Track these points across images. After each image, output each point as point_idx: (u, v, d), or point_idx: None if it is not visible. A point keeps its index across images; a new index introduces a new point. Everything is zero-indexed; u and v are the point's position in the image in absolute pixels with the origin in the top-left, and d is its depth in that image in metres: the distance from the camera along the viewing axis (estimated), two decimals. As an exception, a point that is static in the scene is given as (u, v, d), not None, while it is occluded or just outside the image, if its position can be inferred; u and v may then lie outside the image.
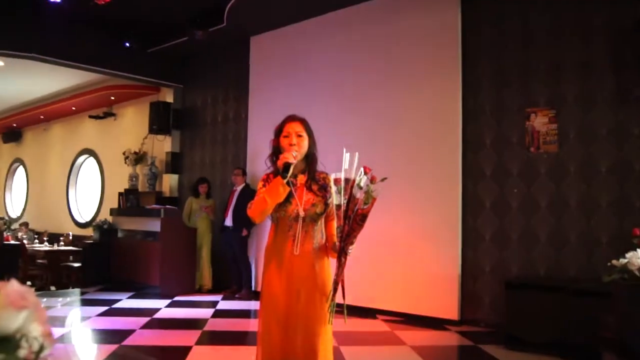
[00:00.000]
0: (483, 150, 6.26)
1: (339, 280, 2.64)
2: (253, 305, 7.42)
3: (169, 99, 10.14)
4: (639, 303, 2.67)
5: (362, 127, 7.00)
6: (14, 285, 0.75)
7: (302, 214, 2.74)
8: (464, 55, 6.42)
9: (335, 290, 2.65)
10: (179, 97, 10.15)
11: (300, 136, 2.80)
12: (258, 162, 8.27)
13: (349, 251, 2.62)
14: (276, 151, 2.85)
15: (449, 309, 6.21)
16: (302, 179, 2.83)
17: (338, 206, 2.55)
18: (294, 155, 2.71)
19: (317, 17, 7.78)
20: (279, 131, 2.86)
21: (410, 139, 6.68)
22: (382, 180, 2.49)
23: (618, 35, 5.41)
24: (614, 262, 2.75)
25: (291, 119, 2.88)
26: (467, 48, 6.42)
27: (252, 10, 7.75)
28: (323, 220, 2.83)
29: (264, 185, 2.79)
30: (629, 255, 2.67)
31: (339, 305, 2.69)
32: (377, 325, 6.22)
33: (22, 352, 0.73)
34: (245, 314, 7.07)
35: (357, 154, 2.50)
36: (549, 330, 4.98)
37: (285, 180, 2.67)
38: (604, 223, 5.41)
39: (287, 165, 2.67)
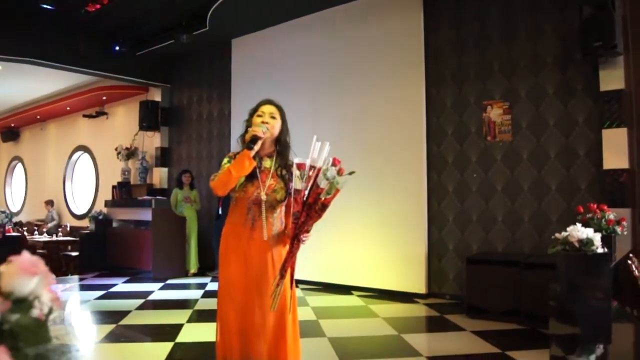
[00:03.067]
0: (445, 140, 6.37)
1: (287, 266, 2.43)
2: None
3: (157, 98, 10.11)
4: (578, 272, 2.79)
5: (336, 122, 7.07)
6: (26, 255, 0.81)
7: (264, 197, 2.57)
8: (426, 54, 6.51)
9: (282, 276, 2.42)
10: (167, 96, 10.11)
11: (273, 117, 2.65)
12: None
13: (303, 239, 2.40)
14: (246, 131, 2.69)
15: (418, 283, 6.35)
16: (268, 163, 2.66)
17: (297, 191, 2.33)
18: (263, 131, 2.55)
19: (293, 20, 7.81)
20: (253, 111, 2.72)
21: (380, 131, 6.77)
22: (350, 174, 2.29)
23: (565, 36, 5.54)
24: (557, 235, 2.86)
25: (267, 101, 2.74)
26: (429, 48, 6.52)
27: (232, 15, 7.75)
28: (283, 208, 2.68)
29: (228, 162, 2.60)
30: (569, 228, 2.78)
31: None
32: (352, 301, 6.32)
33: (35, 312, 0.79)
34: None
35: (327, 143, 2.30)
36: (505, 300, 5.13)
37: (252, 154, 2.50)
38: (553, 204, 5.56)
39: (254, 138, 2.52)
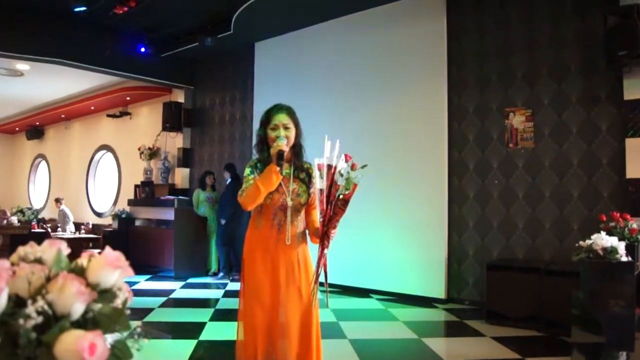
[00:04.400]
0: (467, 146, 6.40)
1: (320, 264, 2.49)
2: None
3: (181, 99, 10.25)
4: (602, 280, 2.82)
5: (358, 127, 7.13)
6: (109, 250, 0.89)
7: (289, 203, 2.64)
8: (449, 61, 6.54)
9: (318, 274, 2.50)
10: (190, 98, 10.25)
11: (287, 128, 2.67)
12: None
13: (332, 235, 2.47)
14: (262, 140, 2.72)
15: (437, 288, 6.37)
16: (288, 168, 2.70)
17: (321, 190, 2.40)
18: (284, 143, 2.60)
19: (316, 24, 7.89)
20: (265, 122, 2.72)
21: (402, 137, 6.81)
22: (363, 167, 2.36)
23: (589, 43, 5.55)
24: (581, 243, 2.89)
25: (277, 109, 2.72)
26: (452, 54, 6.55)
27: (256, 18, 7.85)
28: (304, 209, 2.73)
29: (251, 172, 2.66)
30: (593, 237, 2.81)
31: (322, 287, 2.57)
32: (372, 304, 6.37)
33: (117, 302, 0.87)
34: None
35: (337, 141, 2.35)
36: (525, 307, 5.14)
37: (278, 168, 2.55)
38: (575, 211, 5.56)
39: (280, 153, 2.55)
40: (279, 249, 2.64)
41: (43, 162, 15.52)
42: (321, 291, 2.59)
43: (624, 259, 2.82)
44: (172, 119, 9.99)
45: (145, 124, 11.31)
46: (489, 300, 5.46)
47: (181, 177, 10.22)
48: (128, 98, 11.28)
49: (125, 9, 7.59)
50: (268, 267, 2.64)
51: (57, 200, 11.48)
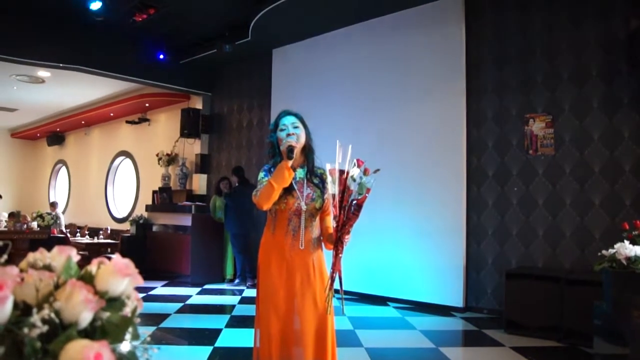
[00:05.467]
0: (486, 152, 6.32)
1: (335, 270, 2.47)
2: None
3: (199, 105, 10.31)
4: (625, 289, 2.75)
5: (376, 133, 7.09)
6: (119, 258, 0.87)
7: (304, 207, 2.63)
8: (468, 66, 6.49)
9: (332, 280, 2.47)
10: (208, 104, 10.31)
11: (296, 127, 2.68)
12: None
13: (346, 241, 2.45)
14: (273, 147, 2.74)
15: (455, 297, 6.29)
16: (301, 173, 2.71)
17: (333, 196, 2.39)
18: (295, 140, 2.62)
19: (333, 31, 7.89)
20: (274, 127, 2.74)
21: (420, 143, 6.76)
22: (375, 172, 2.35)
23: (610, 47, 5.46)
24: (604, 252, 2.82)
25: (285, 113, 2.75)
26: (471, 59, 6.49)
27: (274, 25, 7.86)
28: (319, 214, 2.71)
29: (265, 175, 2.66)
30: (617, 246, 2.74)
31: (337, 294, 2.55)
32: (388, 312, 6.31)
33: (126, 311, 0.85)
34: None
35: (350, 146, 2.34)
36: (545, 317, 5.04)
37: (290, 163, 2.55)
38: (596, 220, 5.46)
39: (291, 148, 2.57)
40: (294, 255, 2.63)
41: (63, 168, 15.73)
42: (337, 298, 2.56)
43: (649, 268, 2.74)
44: (190, 125, 10.05)
45: (164, 130, 11.40)
46: (508, 309, 5.37)
47: (199, 183, 10.27)
48: (147, 104, 11.38)
49: (145, 16, 7.66)
50: (283, 273, 2.63)
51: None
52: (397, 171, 6.59)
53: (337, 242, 2.45)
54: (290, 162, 2.56)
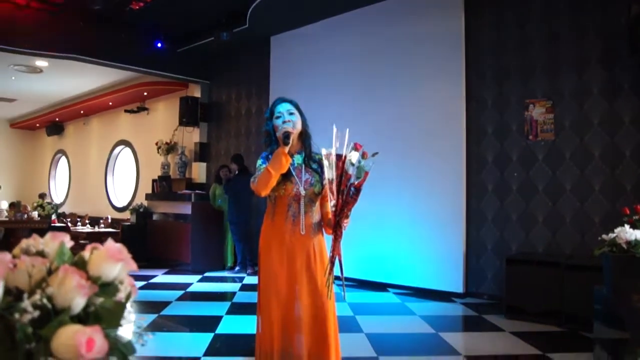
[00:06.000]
0: (486, 138, 6.30)
1: (335, 254, 2.47)
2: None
3: (197, 94, 10.27)
4: (626, 274, 2.74)
5: (374, 119, 7.06)
6: (111, 243, 0.86)
7: (303, 193, 2.63)
8: (467, 53, 6.44)
9: (332, 264, 2.47)
10: (206, 93, 10.27)
11: (292, 114, 2.69)
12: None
13: (344, 225, 2.45)
14: (269, 135, 2.75)
15: (455, 282, 6.30)
16: (299, 159, 2.72)
17: (330, 180, 2.39)
18: (290, 127, 2.62)
19: (331, 17, 7.83)
20: (270, 115, 2.75)
21: (419, 129, 6.73)
22: (374, 155, 2.34)
23: (611, 32, 5.42)
24: (604, 236, 2.82)
25: (280, 100, 2.77)
26: (470, 46, 6.44)
27: (271, 12, 7.81)
28: (319, 199, 2.72)
29: (263, 162, 2.67)
30: (617, 230, 2.73)
31: (338, 281, 2.54)
32: (388, 298, 6.33)
33: (119, 296, 0.84)
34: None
35: (347, 130, 2.34)
36: (545, 302, 5.05)
37: (286, 149, 2.55)
38: (596, 205, 5.45)
39: (287, 134, 2.56)
40: (294, 241, 2.64)
41: (63, 158, 15.70)
42: (337, 285, 2.55)
43: (649, 252, 2.74)
44: (189, 114, 10.01)
45: (163, 118, 11.37)
46: (508, 294, 5.38)
47: (198, 171, 10.25)
48: (145, 93, 11.33)
49: (142, 4, 7.61)
50: (284, 259, 2.63)
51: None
52: (397, 158, 6.57)
53: (335, 227, 2.44)
54: (286, 148, 2.56)
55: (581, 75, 5.61)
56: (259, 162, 2.70)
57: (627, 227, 2.77)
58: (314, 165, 2.71)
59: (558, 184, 5.71)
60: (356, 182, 2.34)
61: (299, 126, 2.70)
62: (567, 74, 5.70)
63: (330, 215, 2.56)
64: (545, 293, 5.07)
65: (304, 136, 2.75)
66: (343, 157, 2.34)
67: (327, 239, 2.72)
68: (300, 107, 2.80)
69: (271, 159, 2.58)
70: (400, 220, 6.78)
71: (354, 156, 2.32)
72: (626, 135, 5.31)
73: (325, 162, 2.39)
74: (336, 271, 2.49)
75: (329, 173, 2.38)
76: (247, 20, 8.00)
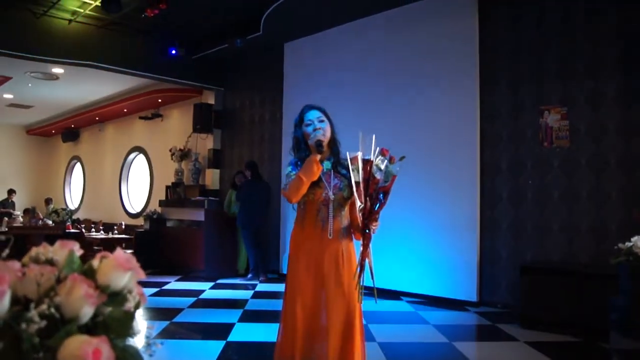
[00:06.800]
0: (500, 145, 6.25)
1: (364, 257, 2.49)
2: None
3: (211, 101, 10.32)
4: (643, 283, 2.70)
5: (387, 126, 7.02)
6: (120, 252, 0.86)
7: (332, 197, 2.64)
8: (481, 58, 6.41)
9: (362, 268, 2.48)
10: (220, 99, 10.32)
11: (322, 121, 2.70)
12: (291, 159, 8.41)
13: (373, 229, 2.48)
14: (298, 142, 2.75)
15: (469, 291, 6.24)
16: (328, 164, 2.72)
17: (357, 183, 2.42)
18: (321, 134, 2.64)
19: (344, 24, 7.84)
20: (299, 121, 2.75)
21: (433, 135, 6.70)
22: (401, 159, 2.40)
23: (627, 38, 5.37)
24: (620, 245, 2.78)
25: (309, 107, 2.77)
26: (484, 51, 6.41)
27: (285, 19, 7.84)
28: (348, 204, 2.72)
29: (292, 169, 2.67)
30: (634, 239, 2.69)
31: (368, 287, 2.52)
32: (401, 306, 6.28)
33: (127, 305, 0.84)
34: (280, 295, 7.21)
35: (373, 136, 2.40)
36: (561, 311, 4.99)
37: (318, 157, 2.57)
38: (613, 213, 5.38)
39: (320, 142, 2.59)
40: (323, 245, 2.64)
41: (78, 164, 15.86)
42: (365, 293, 2.53)
43: (667, 262, 2.69)
44: (203, 121, 10.07)
45: (177, 125, 11.44)
46: (523, 304, 5.32)
47: (211, 178, 10.29)
48: (159, 100, 11.43)
49: (156, 11, 7.66)
50: (311, 266, 2.63)
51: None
52: (411, 165, 6.49)
53: (364, 231, 2.48)
54: (319, 156, 2.59)
55: (596, 81, 5.55)
56: (289, 169, 2.71)
57: (644, 236, 2.73)
58: (343, 171, 2.71)
59: (574, 191, 5.64)
60: (384, 186, 2.38)
61: (328, 133, 2.71)
62: (582, 79, 5.65)
63: (359, 220, 2.56)
64: (561, 302, 5.00)
65: (333, 142, 2.76)
66: (370, 162, 2.39)
67: (356, 244, 2.73)
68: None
69: (303, 166, 2.59)
70: (413, 228, 6.74)
71: (381, 161, 2.37)
72: (643, 142, 5.24)
73: (351, 166, 2.42)
74: (366, 275, 2.49)
75: (356, 176, 2.41)
76: (260, 27, 8.04)
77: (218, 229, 8.58)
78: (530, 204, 5.97)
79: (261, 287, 7.59)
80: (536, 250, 5.89)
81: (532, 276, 5.30)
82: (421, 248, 6.66)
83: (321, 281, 2.61)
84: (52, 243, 0.94)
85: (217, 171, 10.33)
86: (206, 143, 10.43)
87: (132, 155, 13.23)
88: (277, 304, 6.67)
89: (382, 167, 2.36)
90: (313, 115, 2.72)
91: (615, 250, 2.98)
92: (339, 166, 2.73)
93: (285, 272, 7.84)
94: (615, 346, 3.11)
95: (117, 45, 8.76)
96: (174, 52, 9.15)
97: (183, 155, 10.80)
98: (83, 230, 10.24)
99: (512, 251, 6.08)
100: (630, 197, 5.27)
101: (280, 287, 7.52)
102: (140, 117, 12.33)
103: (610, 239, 5.22)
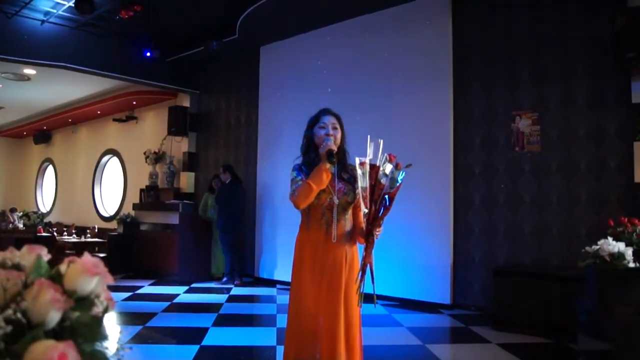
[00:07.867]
0: (473, 150, 6.34)
1: (366, 262, 2.52)
2: (260, 291, 7.56)
3: (186, 103, 10.26)
4: (608, 285, 2.77)
5: (363, 130, 7.03)
6: (88, 256, 0.86)
7: (336, 201, 2.65)
8: (454, 64, 6.50)
9: (364, 272, 2.52)
10: (195, 102, 10.26)
11: (335, 128, 2.74)
12: (267, 163, 8.40)
13: (377, 234, 2.52)
14: (309, 141, 2.77)
15: (443, 294, 6.31)
16: (332, 169, 2.69)
17: (363, 188, 2.45)
18: (332, 143, 2.65)
19: (320, 28, 7.87)
20: (314, 121, 2.78)
21: (406, 141, 6.73)
22: (407, 166, 2.45)
23: (596, 46, 5.50)
24: (587, 248, 2.84)
25: (327, 111, 2.81)
26: (457, 57, 6.50)
27: (261, 23, 7.84)
28: (351, 209, 2.74)
29: (298, 174, 2.67)
30: (600, 242, 2.76)
31: (367, 293, 2.53)
32: (375, 309, 6.30)
33: (95, 310, 0.84)
34: (255, 299, 7.20)
35: (381, 140, 2.44)
36: (532, 313, 5.08)
37: (328, 166, 2.58)
38: (582, 216, 5.49)
39: (331, 152, 2.60)
40: (327, 249, 2.65)
41: (50, 167, 15.58)
42: (366, 298, 2.54)
43: (632, 264, 2.77)
44: (178, 123, 10.00)
45: (151, 128, 11.34)
46: (496, 306, 5.40)
47: (186, 181, 10.22)
48: (134, 102, 11.31)
49: (131, 13, 7.58)
50: (316, 269, 2.64)
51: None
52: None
53: (367, 236, 2.50)
54: (329, 166, 2.59)
55: (567, 87, 5.68)
56: (294, 173, 2.71)
57: (609, 239, 2.80)
58: (346, 176, 2.73)
59: (544, 195, 5.75)
60: (390, 192, 2.42)
61: (339, 142, 2.74)
62: (553, 85, 5.77)
63: (362, 225, 2.58)
64: (532, 305, 5.09)
65: (341, 153, 2.78)
66: (376, 168, 2.42)
67: (359, 248, 2.74)
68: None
69: (312, 174, 2.60)
70: (387, 231, 6.73)
71: (387, 167, 2.40)
72: (611, 147, 5.37)
73: (359, 171, 2.44)
74: (367, 279, 2.51)
75: (362, 181, 2.43)
76: (236, 30, 8.03)
77: (193, 232, 8.52)
78: (502, 208, 6.07)
79: (236, 290, 7.56)
80: (508, 253, 5.99)
81: (504, 279, 5.39)
82: (395, 251, 6.70)
83: (324, 285, 2.62)
84: (22, 247, 0.93)
85: (192, 174, 10.27)
86: (181, 146, 10.36)
87: (105, 158, 13.05)
88: (252, 308, 6.68)
89: (388, 172, 2.39)
90: (329, 119, 2.75)
91: (583, 253, 3.04)
92: (343, 171, 2.75)
93: (279, 275, 7.79)
94: (583, 347, 3.17)
95: (91, 46, 8.65)
96: (149, 54, 9.07)
97: (157, 158, 10.71)
98: (55, 233, 10.08)
99: (485, 254, 6.16)
100: (599, 201, 5.39)
101: (255, 291, 7.56)
102: (115, 120, 12.19)
103: (580, 242, 5.31)
